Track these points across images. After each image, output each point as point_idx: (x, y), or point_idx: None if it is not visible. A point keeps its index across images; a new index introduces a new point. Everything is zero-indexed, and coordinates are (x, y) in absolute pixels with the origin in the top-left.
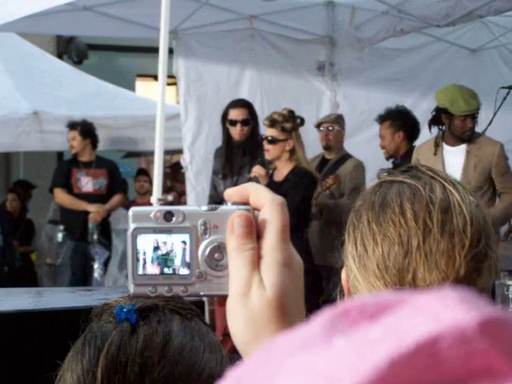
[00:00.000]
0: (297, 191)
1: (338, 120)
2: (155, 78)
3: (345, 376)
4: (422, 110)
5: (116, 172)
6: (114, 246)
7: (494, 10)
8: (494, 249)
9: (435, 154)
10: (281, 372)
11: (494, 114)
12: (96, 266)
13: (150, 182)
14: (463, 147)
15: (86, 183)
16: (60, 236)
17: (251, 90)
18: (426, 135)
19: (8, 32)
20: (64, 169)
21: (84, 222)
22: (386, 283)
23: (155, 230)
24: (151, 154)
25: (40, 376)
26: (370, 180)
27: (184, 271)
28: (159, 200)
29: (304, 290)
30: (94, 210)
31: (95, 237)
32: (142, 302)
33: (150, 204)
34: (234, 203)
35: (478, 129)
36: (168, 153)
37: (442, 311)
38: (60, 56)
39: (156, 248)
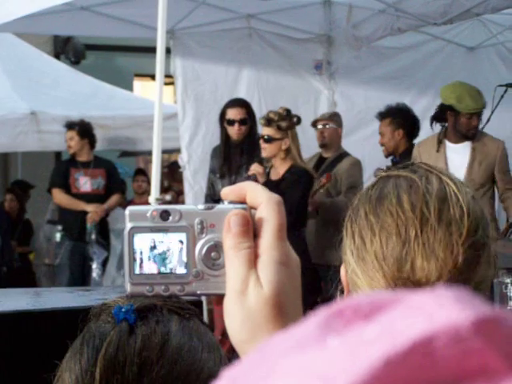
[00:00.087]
0: (295, 189)
1: (333, 118)
2: (153, 77)
3: (339, 376)
4: (420, 108)
5: (114, 172)
6: (113, 246)
7: (492, 7)
8: (492, 240)
9: (438, 151)
10: (275, 372)
11: (492, 112)
12: (94, 265)
13: (148, 182)
14: (467, 144)
15: (84, 183)
16: (58, 236)
17: (249, 90)
18: (424, 132)
19: (5, 32)
20: (62, 169)
21: (82, 222)
22: (384, 274)
23: (152, 229)
24: (149, 153)
25: (38, 376)
26: (368, 178)
27: (181, 270)
28: (157, 200)
29: (301, 289)
30: (92, 210)
31: (93, 237)
32: (141, 301)
33: (148, 204)
34: (231, 202)
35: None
36: (166, 152)
37: (436, 310)
38: (57, 56)
39: (153, 247)
